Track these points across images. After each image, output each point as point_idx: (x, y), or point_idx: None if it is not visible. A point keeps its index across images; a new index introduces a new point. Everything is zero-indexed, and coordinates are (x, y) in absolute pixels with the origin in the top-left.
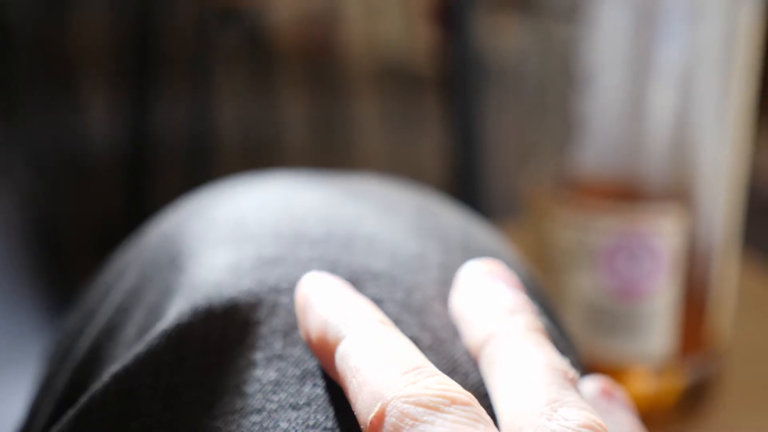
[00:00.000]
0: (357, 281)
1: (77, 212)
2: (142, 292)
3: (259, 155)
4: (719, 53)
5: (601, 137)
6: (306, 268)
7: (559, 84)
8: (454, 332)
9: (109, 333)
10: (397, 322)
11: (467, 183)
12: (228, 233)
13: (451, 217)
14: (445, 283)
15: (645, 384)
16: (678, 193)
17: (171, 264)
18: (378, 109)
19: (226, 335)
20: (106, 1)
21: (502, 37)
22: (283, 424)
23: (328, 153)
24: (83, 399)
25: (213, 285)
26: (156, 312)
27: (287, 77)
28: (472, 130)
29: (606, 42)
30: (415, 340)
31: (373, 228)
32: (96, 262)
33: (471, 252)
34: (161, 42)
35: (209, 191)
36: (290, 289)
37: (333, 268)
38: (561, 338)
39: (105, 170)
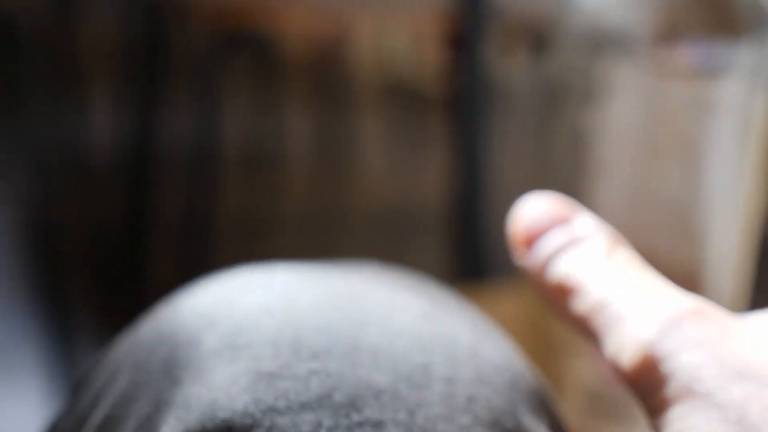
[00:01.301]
0: (358, 399)
1: (77, 217)
2: (133, 401)
3: (262, 168)
4: (732, 142)
5: (610, 217)
6: (305, 384)
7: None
8: None
9: None
10: None
11: (469, 210)
12: (225, 340)
13: (457, 319)
14: (452, 398)
15: None
16: (686, 275)
17: (165, 372)
18: (382, 127)
19: None
20: (115, 6)
21: (510, 69)
22: None
23: (330, 169)
24: None
25: (207, 405)
26: (148, 427)
27: (294, 91)
28: (477, 156)
29: (618, 126)
30: None
31: (376, 337)
32: (93, 268)
33: (478, 363)
34: (169, 51)
35: (206, 285)
36: (288, 408)
37: (334, 383)
38: None
39: (107, 176)
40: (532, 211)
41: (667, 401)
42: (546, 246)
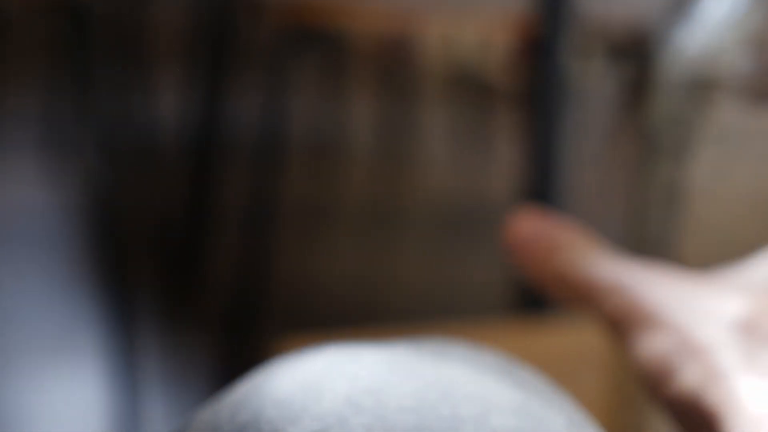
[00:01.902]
0: None
1: (141, 200)
2: None
3: (326, 158)
4: None
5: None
6: None
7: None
8: None
9: None
10: None
11: (539, 208)
12: None
13: (553, 415)
14: None
15: None
16: None
17: None
18: (448, 120)
19: None
20: None
21: (586, 73)
22: None
23: (394, 161)
24: None
25: None
26: None
27: (360, 82)
28: (551, 156)
29: (720, 178)
30: None
31: None
32: (155, 251)
33: None
34: (239, 41)
35: (289, 367)
36: None
37: None
38: None
39: (172, 160)
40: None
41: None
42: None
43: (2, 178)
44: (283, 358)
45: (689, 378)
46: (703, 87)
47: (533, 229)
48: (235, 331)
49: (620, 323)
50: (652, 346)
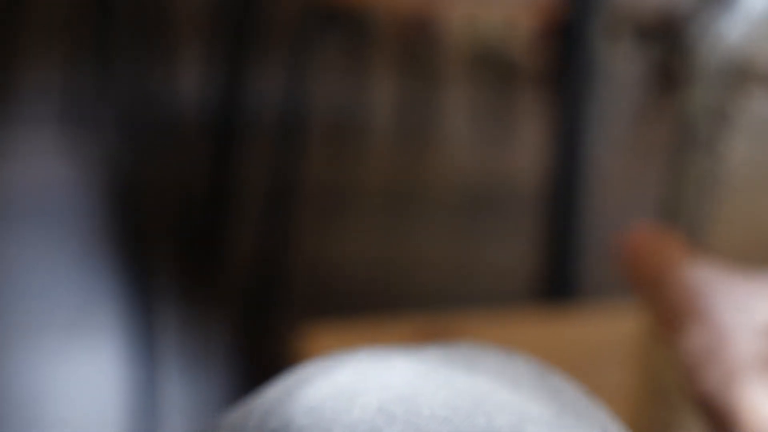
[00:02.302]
0: None
1: (162, 175)
2: None
3: (348, 137)
4: None
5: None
6: None
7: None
8: None
9: None
10: None
11: (565, 194)
12: None
13: (587, 425)
14: None
15: None
16: None
17: None
18: (471, 100)
19: None
20: None
21: (614, 56)
22: None
23: (417, 141)
24: None
25: None
26: None
27: (383, 62)
28: (578, 138)
29: (753, 166)
30: None
31: None
32: (175, 228)
33: None
34: (262, 18)
35: (319, 373)
36: None
37: None
38: None
39: (193, 137)
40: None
41: None
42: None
43: (24, 152)
44: (312, 362)
45: (712, 377)
46: (740, 77)
47: (644, 246)
48: (255, 311)
49: (673, 315)
50: (692, 339)
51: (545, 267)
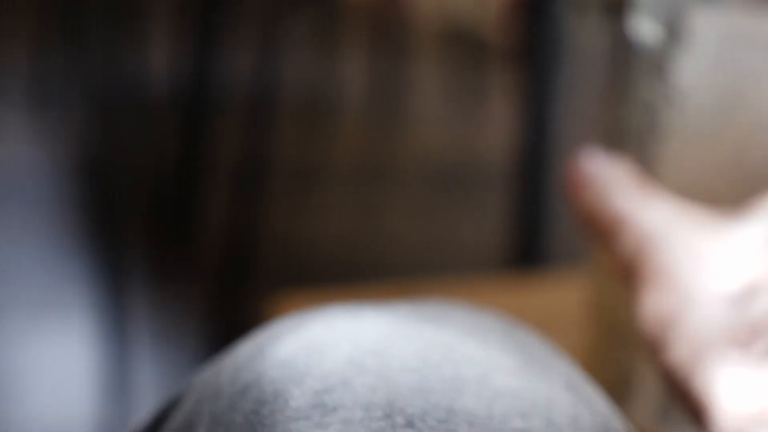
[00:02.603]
0: None
1: (131, 152)
2: None
3: (318, 114)
4: None
5: (682, 189)
6: None
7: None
8: None
9: None
10: None
11: (534, 170)
12: (313, 399)
13: (553, 377)
14: None
15: None
16: None
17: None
18: (441, 77)
19: None
20: None
21: (582, 29)
22: None
23: (387, 118)
24: None
25: None
26: None
27: (353, 39)
28: (547, 113)
29: (701, 85)
30: None
31: (473, 400)
32: (145, 205)
33: (578, 427)
34: None
35: (291, 329)
36: None
37: None
38: None
39: (163, 113)
40: (587, 162)
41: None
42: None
43: None
44: (283, 318)
45: (676, 350)
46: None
47: (587, 169)
48: (226, 287)
49: (631, 274)
50: (654, 305)
51: (515, 241)
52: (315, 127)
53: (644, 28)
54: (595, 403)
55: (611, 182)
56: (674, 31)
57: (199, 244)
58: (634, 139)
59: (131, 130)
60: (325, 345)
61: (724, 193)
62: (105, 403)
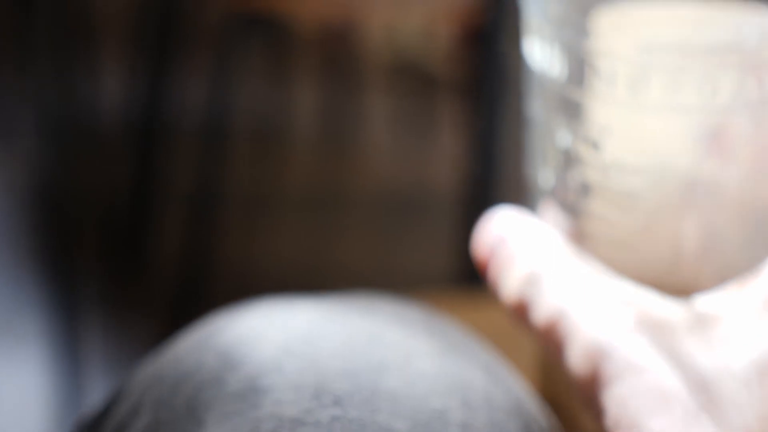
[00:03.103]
0: None
1: (84, 182)
2: None
3: (270, 144)
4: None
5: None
6: (328, 431)
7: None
8: None
9: None
10: None
11: (480, 198)
12: (247, 383)
13: (471, 362)
14: None
15: None
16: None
17: (188, 412)
18: (391, 109)
19: None
20: None
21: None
22: None
23: (338, 148)
24: None
25: None
26: None
27: (304, 69)
28: (491, 144)
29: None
30: None
31: (395, 381)
32: (98, 236)
33: (491, 408)
34: (184, 22)
35: (228, 320)
36: None
37: (355, 430)
38: None
39: (115, 142)
40: (494, 225)
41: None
42: (503, 261)
43: None
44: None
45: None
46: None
47: (496, 233)
48: (179, 314)
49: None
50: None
51: (463, 265)
52: (267, 156)
53: (542, 55)
54: (510, 385)
55: (534, 252)
56: (578, 55)
57: (152, 272)
58: (558, 190)
59: (84, 157)
60: (258, 334)
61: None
62: (58, 430)
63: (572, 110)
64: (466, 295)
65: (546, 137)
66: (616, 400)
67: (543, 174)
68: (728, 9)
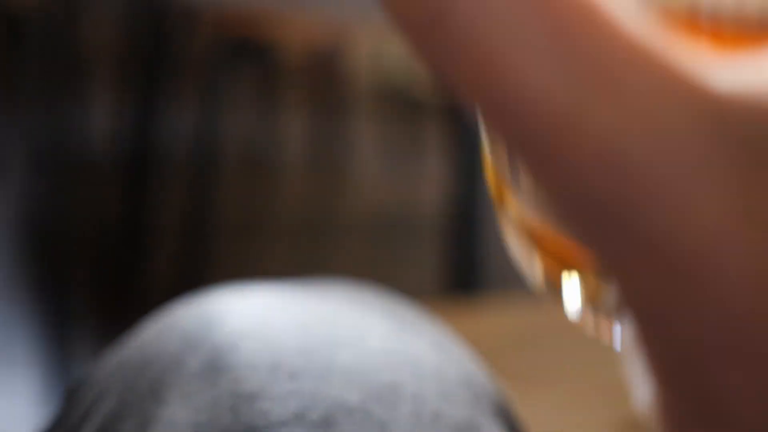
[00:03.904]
0: (332, 417)
1: (75, 214)
2: (121, 419)
3: (260, 171)
4: None
5: None
6: (283, 404)
7: None
8: None
9: None
10: None
11: (464, 220)
12: (207, 364)
13: (422, 339)
14: (419, 415)
15: None
16: None
17: (151, 393)
18: (378, 135)
19: None
20: (120, 4)
21: None
22: None
23: (326, 174)
24: None
25: (192, 426)
26: None
27: (292, 97)
28: (473, 166)
29: None
30: None
31: (348, 357)
32: (90, 266)
33: (442, 380)
34: (172, 53)
35: (188, 308)
36: (267, 427)
37: (310, 403)
38: None
39: (106, 174)
40: None
41: None
42: None
43: None
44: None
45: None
46: None
47: None
48: None
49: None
50: None
51: (450, 283)
52: (257, 183)
53: None
54: (461, 360)
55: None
56: None
57: (144, 300)
58: None
59: (74, 189)
60: (217, 318)
61: None
62: None
63: None
64: (453, 303)
65: None
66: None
67: None
68: None
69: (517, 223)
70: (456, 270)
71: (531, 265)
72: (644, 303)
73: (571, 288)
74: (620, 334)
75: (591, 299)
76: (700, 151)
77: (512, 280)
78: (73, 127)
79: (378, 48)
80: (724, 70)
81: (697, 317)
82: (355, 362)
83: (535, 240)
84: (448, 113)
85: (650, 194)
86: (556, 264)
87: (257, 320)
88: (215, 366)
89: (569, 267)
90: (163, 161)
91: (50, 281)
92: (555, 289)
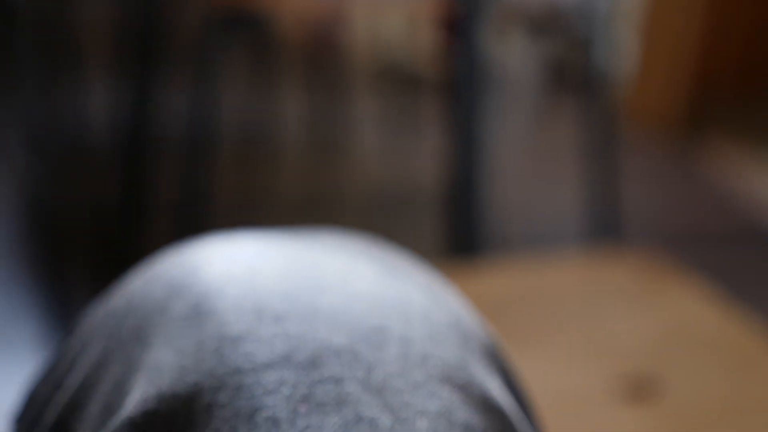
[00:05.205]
0: (318, 359)
1: (72, 196)
2: (107, 365)
3: (257, 149)
4: None
5: None
6: (269, 346)
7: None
8: (415, 411)
9: (74, 409)
10: (358, 402)
11: (463, 193)
12: (191, 308)
13: (410, 283)
14: (406, 357)
15: None
16: None
17: (136, 339)
18: (377, 109)
19: (191, 421)
20: None
21: (505, 50)
22: None
23: (325, 150)
24: None
25: (177, 368)
26: (120, 388)
27: (289, 73)
28: (472, 138)
29: None
30: (375, 421)
31: (334, 301)
32: (89, 247)
33: (431, 323)
34: (166, 32)
35: (173, 256)
36: (253, 369)
37: (295, 344)
38: (518, 404)
39: (102, 155)
40: None
41: None
42: None
43: None
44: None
45: None
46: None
47: None
48: None
49: None
50: None
51: (449, 256)
52: (255, 161)
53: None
54: (450, 303)
55: None
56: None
57: None
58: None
59: (72, 172)
60: (202, 265)
61: None
62: None
63: None
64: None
65: None
66: None
67: None
68: None
69: None
70: (456, 240)
71: None
72: None
73: None
74: None
75: None
76: None
77: (511, 247)
78: (68, 108)
79: (376, 22)
80: None
81: None
82: (341, 305)
83: None
84: (445, 87)
85: None
86: None
87: (242, 266)
88: (200, 310)
89: None
90: (162, 141)
91: (49, 263)
92: None
